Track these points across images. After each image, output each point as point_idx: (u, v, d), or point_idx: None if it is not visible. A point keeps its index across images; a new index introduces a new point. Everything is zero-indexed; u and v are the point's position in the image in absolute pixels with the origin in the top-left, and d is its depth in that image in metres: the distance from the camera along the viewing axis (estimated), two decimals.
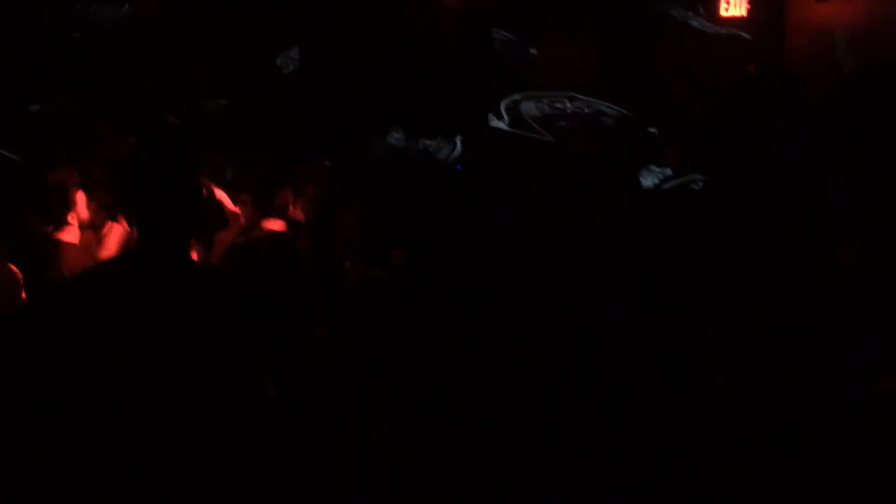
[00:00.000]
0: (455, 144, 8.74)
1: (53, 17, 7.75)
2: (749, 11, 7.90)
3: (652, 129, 8.48)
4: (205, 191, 1.85)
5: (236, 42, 7.78)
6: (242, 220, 4.29)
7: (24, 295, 3.11)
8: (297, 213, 4.65)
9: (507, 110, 8.67)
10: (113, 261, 1.92)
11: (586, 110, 8.62)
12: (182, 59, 7.72)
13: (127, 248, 1.89)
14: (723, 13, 7.92)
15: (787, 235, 3.31)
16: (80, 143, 6.93)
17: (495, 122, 8.68)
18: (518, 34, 8.50)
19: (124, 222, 2.33)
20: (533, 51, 8.52)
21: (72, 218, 3.69)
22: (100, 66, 7.72)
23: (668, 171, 8.35)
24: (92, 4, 7.95)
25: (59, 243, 3.58)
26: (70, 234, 3.66)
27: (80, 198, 3.81)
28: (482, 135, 8.58)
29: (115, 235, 3.86)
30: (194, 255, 1.77)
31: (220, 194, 4.18)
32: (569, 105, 8.64)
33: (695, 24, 8.55)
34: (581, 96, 8.64)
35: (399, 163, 8.24)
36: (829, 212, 3.44)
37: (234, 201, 4.30)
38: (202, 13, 7.78)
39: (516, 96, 8.65)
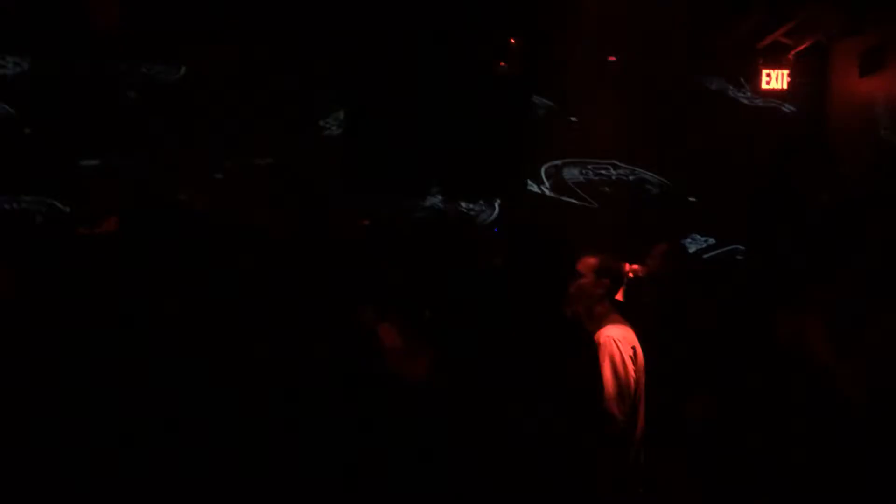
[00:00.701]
0: (494, 208, 8.83)
1: (111, 78, 8.12)
2: (790, 85, 7.93)
3: (691, 198, 8.48)
4: None
5: (282, 102, 8.06)
6: None
7: None
8: None
9: (548, 175, 8.75)
10: None
11: (630, 177, 8.66)
12: (230, 119, 8.00)
13: None
14: (764, 86, 7.96)
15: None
16: (132, 197, 7.16)
17: (534, 187, 8.76)
18: (558, 101, 8.64)
19: None
20: (573, 118, 8.64)
21: None
22: (154, 124, 8.05)
23: (711, 241, 8.33)
24: (152, 67, 8.31)
25: None
26: None
27: None
28: (520, 199, 8.66)
29: None
30: None
31: None
32: (613, 172, 8.69)
33: (734, 96, 8.60)
34: (622, 164, 8.69)
35: (437, 224, 8.33)
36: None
37: None
38: (251, 76, 8.08)
39: (557, 161, 8.73)
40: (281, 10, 7.69)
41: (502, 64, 7.89)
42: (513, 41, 7.86)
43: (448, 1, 7.70)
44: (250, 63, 8.06)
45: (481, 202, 8.80)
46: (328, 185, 8.08)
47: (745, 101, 8.58)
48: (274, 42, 7.98)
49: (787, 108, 8.51)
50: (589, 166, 8.70)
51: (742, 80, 8.54)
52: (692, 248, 8.34)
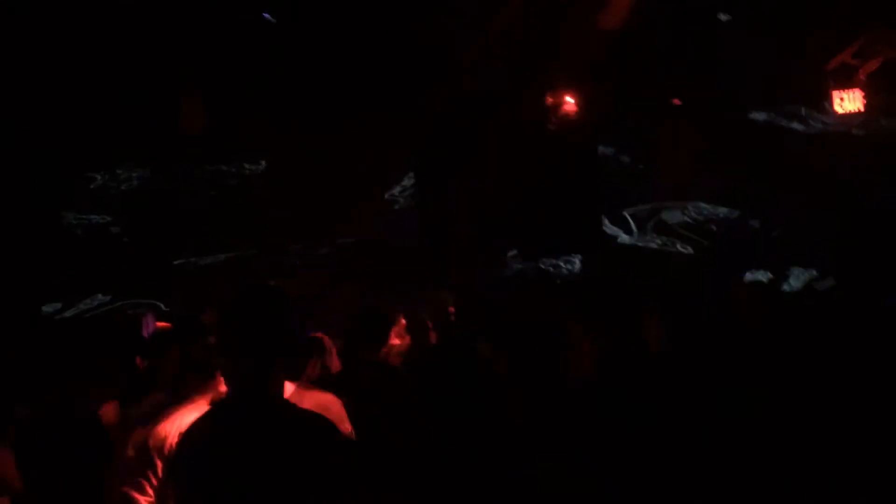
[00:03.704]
0: (575, 262, 8.75)
1: (194, 179, 8.54)
2: (866, 106, 7.69)
3: (774, 233, 8.26)
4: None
5: (351, 183, 8.28)
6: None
7: None
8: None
9: (639, 221, 8.63)
10: (215, 411, 2.04)
11: (732, 216, 8.47)
12: (306, 205, 8.27)
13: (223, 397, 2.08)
14: (837, 109, 7.74)
15: None
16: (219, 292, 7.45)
17: (622, 235, 8.67)
18: (623, 150, 8.60)
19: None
20: (640, 165, 8.58)
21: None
22: (234, 218, 8.38)
23: (814, 273, 8.06)
24: (235, 164, 8.70)
25: None
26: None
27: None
28: (597, 250, 8.57)
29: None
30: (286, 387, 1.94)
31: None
32: (721, 211, 8.53)
33: (800, 126, 8.40)
34: (705, 205, 8.56)
35: (521, 286, 8.30)
36: None
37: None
38: (323, 162, 8.34)
39: (644, 206, 8.65)
40: (347, 90, 7.91)
41: (568, 115, 7.88)
42: (573, 95, 7.86)
43: (507, 57, 7.78)
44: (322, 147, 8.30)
45: (562, 258, 8.74)
46: (406, 261, 8.17)
47: (816, 127, 8.37)
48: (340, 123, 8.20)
49: (862, 130, 8.26)
50: (690, 207, 8.58)
51: (815, 105, 8.35)
52: (798, 282, 8.09)
